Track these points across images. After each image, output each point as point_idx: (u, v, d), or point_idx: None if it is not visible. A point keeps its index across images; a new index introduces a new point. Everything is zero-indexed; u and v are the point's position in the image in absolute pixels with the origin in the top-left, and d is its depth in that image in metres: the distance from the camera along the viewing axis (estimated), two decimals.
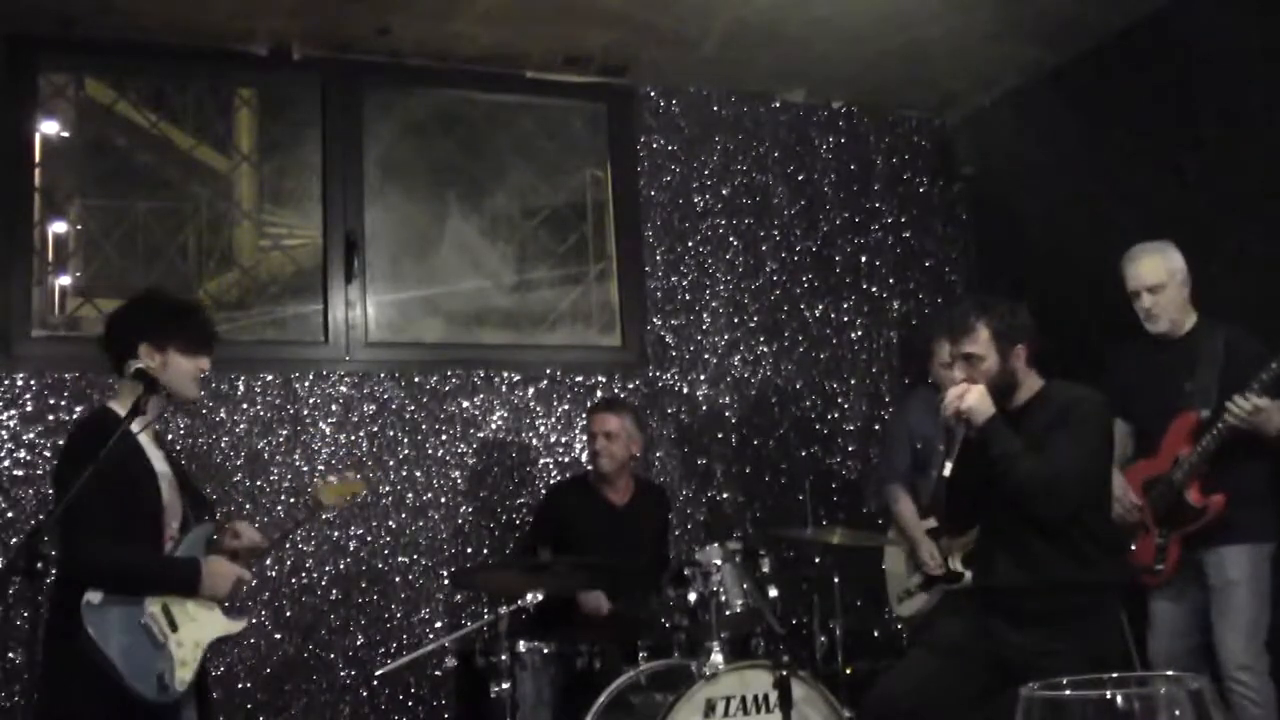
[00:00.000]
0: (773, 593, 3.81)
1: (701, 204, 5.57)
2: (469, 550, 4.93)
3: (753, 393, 5.52)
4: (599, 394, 5.14)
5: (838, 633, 4.17)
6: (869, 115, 5.92)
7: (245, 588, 3.46)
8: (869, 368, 5.74)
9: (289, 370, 4.80)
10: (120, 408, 3.14)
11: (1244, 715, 3.63)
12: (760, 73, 5.47)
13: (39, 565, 2.60)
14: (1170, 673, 1.02)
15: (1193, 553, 3.79)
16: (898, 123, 5.99)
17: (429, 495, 4.89)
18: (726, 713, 3.49)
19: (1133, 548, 3.88)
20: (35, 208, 4.70)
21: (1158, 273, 3.89)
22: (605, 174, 5.54)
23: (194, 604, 3.18)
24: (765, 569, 3.86)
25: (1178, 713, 0.93)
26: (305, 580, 4.66)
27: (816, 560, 4.38)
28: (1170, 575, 3.84)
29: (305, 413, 4.78)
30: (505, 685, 3.62)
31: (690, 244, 5.52)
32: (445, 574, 4.83)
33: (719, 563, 3.71)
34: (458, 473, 4.97)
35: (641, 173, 5.49)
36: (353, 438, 4.83)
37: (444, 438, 4.97)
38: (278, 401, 4.76)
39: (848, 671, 4.09)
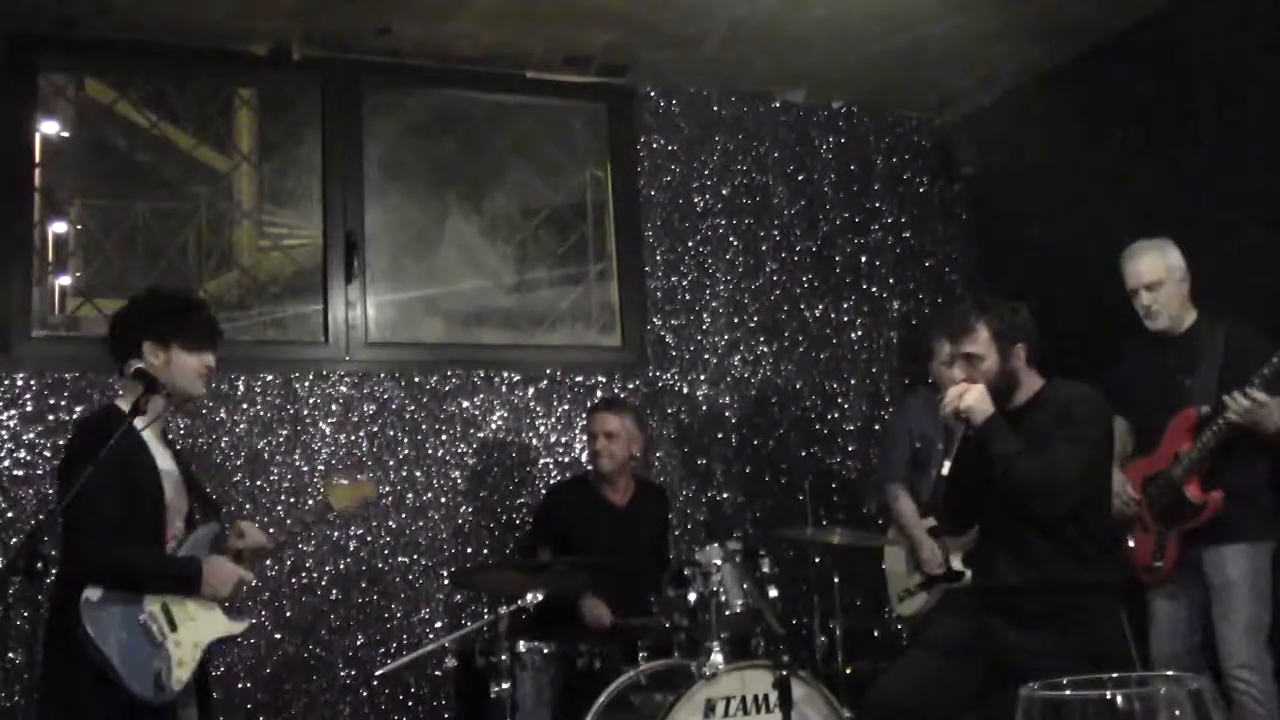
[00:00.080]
0: (773, 593, 3.81)
1: (701, 204, 5.57)
2: (469, 550, 4.93)
3: (753, 393, 5.52)
4: (599, 394, 5.14)
5: (838, 633, 4.17)
6: (869, 115, 5.92)
7: (246, 588, 3.45)
8: (869, 368, 5.74)
9: (289, 370, 4.80)
10: (126, 406, 3.14)
11: (1246, 714, 3.63)
12: (760, 73, 5.48)
13: (39, 565, 2.60)
14: (1170, 673, 1.02)
15: (1192, 550, 3.79)
16: (898, 123, 5.99)
17: (429, 495, 4.89)
18: (726, 713, 3.49)
19: (1131, 545, 3.88)
20: (35, 208, 4.70)
21: (1156, 270, 3.90)
22: (605, 174, 5.54)
23: (195, 604, 3.17)
24: (765, 569, 3.86)
25: (1178, 713, 0.93)
26: (305, 580, 4.66)
27: (816, 560, 4.37)
28: (1169, 572, 3.85)
29: (305, 413, 4.78)
30: (505, 685, 3.62)
31: (690, 244, 5.52)
32: (445, 574, 4.83)
33: (719, 563, 3.71)
34: (458, 473, 4.97)
35: (641, 173, 5.49)
36: (353, 438, 4.83)
37: (444, 438, 4.97)
38: (278, 401, 4.76)
39: (848, 671, 4.08)
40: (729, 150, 5.65)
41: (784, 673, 3.40)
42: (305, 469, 4.74)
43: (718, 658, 3.51)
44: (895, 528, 4.76)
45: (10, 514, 4.34)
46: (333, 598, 4.69)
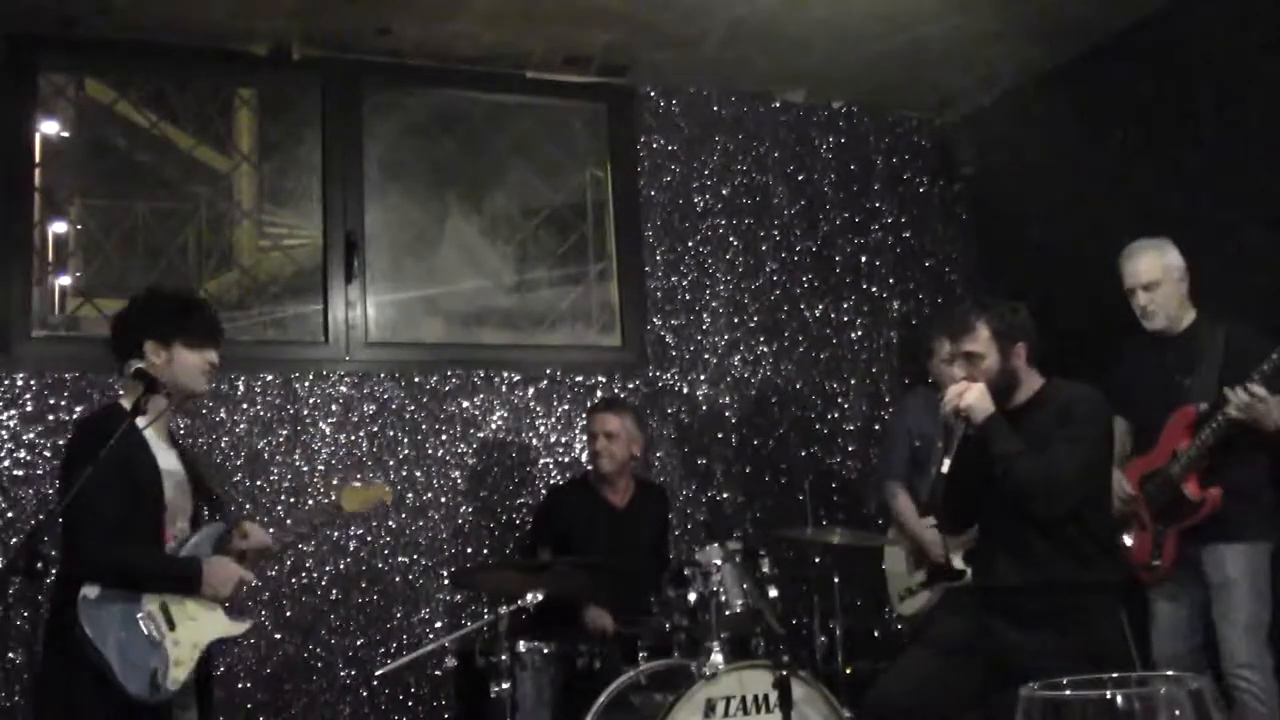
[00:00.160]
0: (773, 593, 3.81)
1: (701, 204, 5.57)
2: (469, 550, 4.93)
3: (753, 393, 5.52)
4: (599, 394, 5.14)
5: (838, 633, 4.17)
6: (869, 115, 5.92)
7: (248, 589, 3.45)
8: (869, 368, 5.74)
9: (289, 370, 4.80)
10: (129, 405, 3.14)
11: (1248, 713, 3.63)
12: (760, 73, 5.48)
13: (39, 565, 2.60)
14: (1170, 673, 1.02)
15: (1190, 549, 3.80)
16: (898, 123, 5.99)
17: (429, 495, 4.89)
18: (726, 713, 3.49)
19: (1128, 544, 3.88)
20: (35, 208, 4.70)
21: (1154, 270, 3.91)
22: (605, 174, 5.54)
23: (195, 604, 3.16)
24: (765, 569, 3.86)
25: (1178, 713, 0.93)
26: (305, 580, 4.66)
27: (816, 560, 4.37)
28: (1167, 571, 3.85)
29: (305, 413, 4.78)
30: (505, 685, 3.63)
31: (690, 244, 5.52)
32: (445, 574, 4.83)
33: (719, 563, 3.71)
34: (458, 473, 4.97)
35: (641, 173, 5.49)
36: (353, 438, 4.83)
37: (444, 438, 4.97)
38: (278, 401, 4.76)
39: (848, 671, 4.08)
40: (729, 150, 5.65)
41: (784, 673, 3.40)
42: (305, 469, 4.74)
43: (718, 658, 3.51)
44: (895, 527, 4.76)
45: (10, 514, 4.34)
46: (333, 598, 4.69)
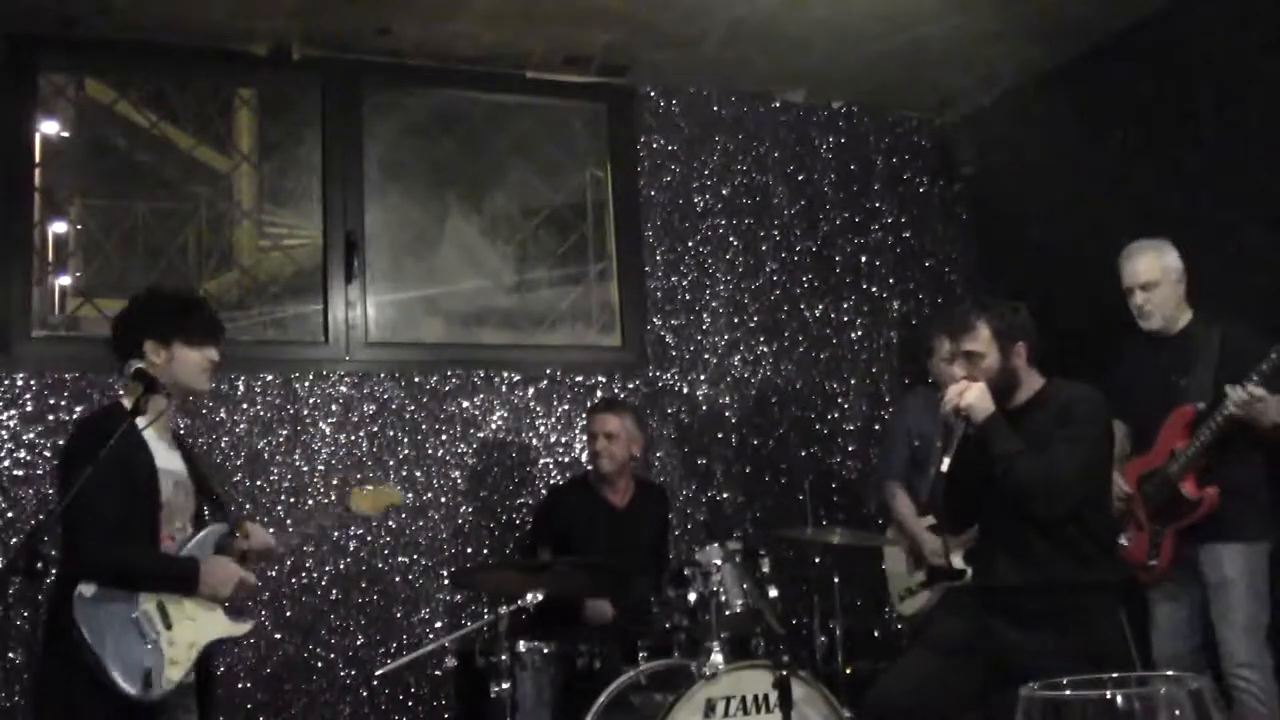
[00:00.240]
0: (773, 593, 3.81)
1: (701, 204, 5.57)
2: (469, 550, 4.93)
3: (753, 393, 5.52)
4: (599, 394, 5.14)
5: (838, 633, 4.17)
6: (869, 115, 5.92)
7: (248, 589, 3.44)
8: (869, 368, 5.74)
9: (289, 370, 4.80)
10: (130, 405, 3.14)
11: (1248, 713, 3.63)
12: (760, 73, 5.48)
13: (39, 565, 2.59)
14: (1170, 673, 1.02)
15: (1188, 548, 3.80)
16: (898, 123, 6.00)
17: (429, 495, 4.89)
18: (726, 713, 3.49)
19: (1125, 544, 3.88)
20: (35, 208, 4.70)
21: (1152, 270, 3.93)
22: (605, 174, 5.54)
23: (193, 604, 3.15)
24: (765, 569, 3.86)
25: (1178, 713, 0.93)
26: (305, 580, 4.66)
27: (816, 560, 4.37)
28: (1165, 571, 3.85)
29: (305, 413, 4.78)
30: (505, 685, 3.62)
31: (690, 244, 5.52)
32: (445, 574, 4.83)
33: (719, 563, 3.71)
34: (458, 473, 4.97)
35: (641, 173, 5.49)
36: (353, 438, 4.83)
37: (444, 438, 4.97)
38: (278, 401, 4.76)
39: (848, 671, 4.08)
40: (729, 150, 5.65)
41: (784, 673, 3.40)
42: (305, 469, 4.74)
43: (718, 658, 3.51)
44: (894, 526, 4.76)
45: (10, 514, 4.34)
46: (333, 598, 4.69)
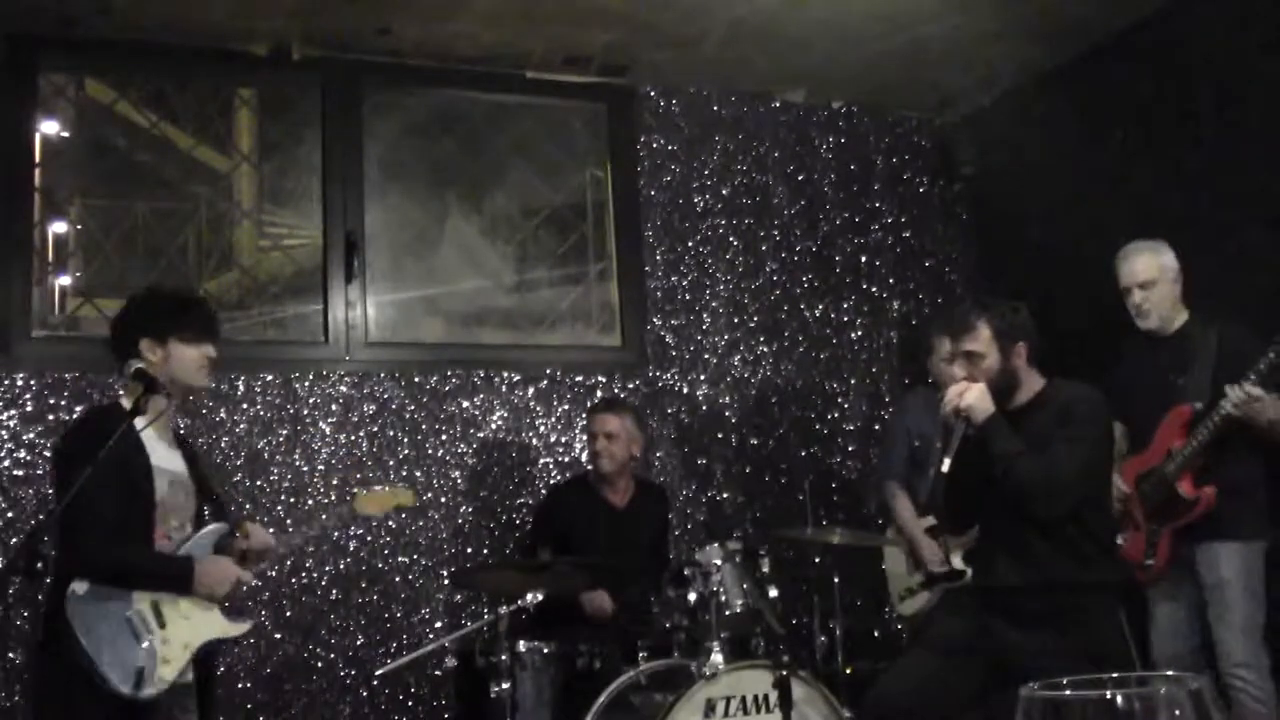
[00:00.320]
0: (773, 593, 3.81)
1: (701, 204, 5.57)
2: (469, 550, 4.93)
3: (753, 393, 5.52)
4: (599, 394, 5.14)
5: (838, 633, 4.17)
6: (869, 115, 5.92)
7: (248, 589, 3.43)
8: (869, 368, 5.74)
9: (289, 370, 4.80)
10: (129, 405, 3.14)
11: (1246, 713, 3.63)
12: (760, 73, 5.48)
13: (39, 565, 2.59)
14: (1170, 673, 1.02)
15: (1185, 548, 3.80)
16: (898, 123, 6.00)
17: (429, 495, 4.89)
18: (726, 713, 3.49)
19: (1121, 543, 3.89)
20: (35, 208, 4.70)
21: (1150, 269, 3.95)
22: (605, 174, 5.54)
23: (189, 603, 3.14)
24: (765, 569, 3.86)
25: (1178, 713, 0.93)
26: (305, 580, 4.66)
27: (816, 560, 4.37)
28: (1161, 570, 3.85)
29: (305, 413, 4.78)
30: (505, 685, 3.62)
31: (690, 244, 5.52)
32: (445, 574, 4.83)
33: (719, 563, 3.71)
34: (458, 473, 4.97)
35: (641, 173, 5.49)
36: (353, 438, 4.83)
37: (444, 438, 4.98)
38: (278, 401, 4.76)
39: (848, 671, 4.08)
40: (729, 150, 5.65)
41: (784, 673, 3.40)
42: (305, 469, 4.74)
43: (718, 658, 3.51)
44: (894, 527, 4.76)
45: (10, 514, 4.34)
46: (333, 598, 4.69)
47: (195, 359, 3.27)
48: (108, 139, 5.05)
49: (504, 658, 3.63)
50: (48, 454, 4.36)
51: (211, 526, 3.28)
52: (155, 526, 3.15)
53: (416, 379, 4.98)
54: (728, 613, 3.66)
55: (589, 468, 4.71)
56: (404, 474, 4.87)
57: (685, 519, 5.27)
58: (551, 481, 5.05)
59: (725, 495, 5.38)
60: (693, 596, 3.70)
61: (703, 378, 5.45)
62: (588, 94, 5.48)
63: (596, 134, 5.58)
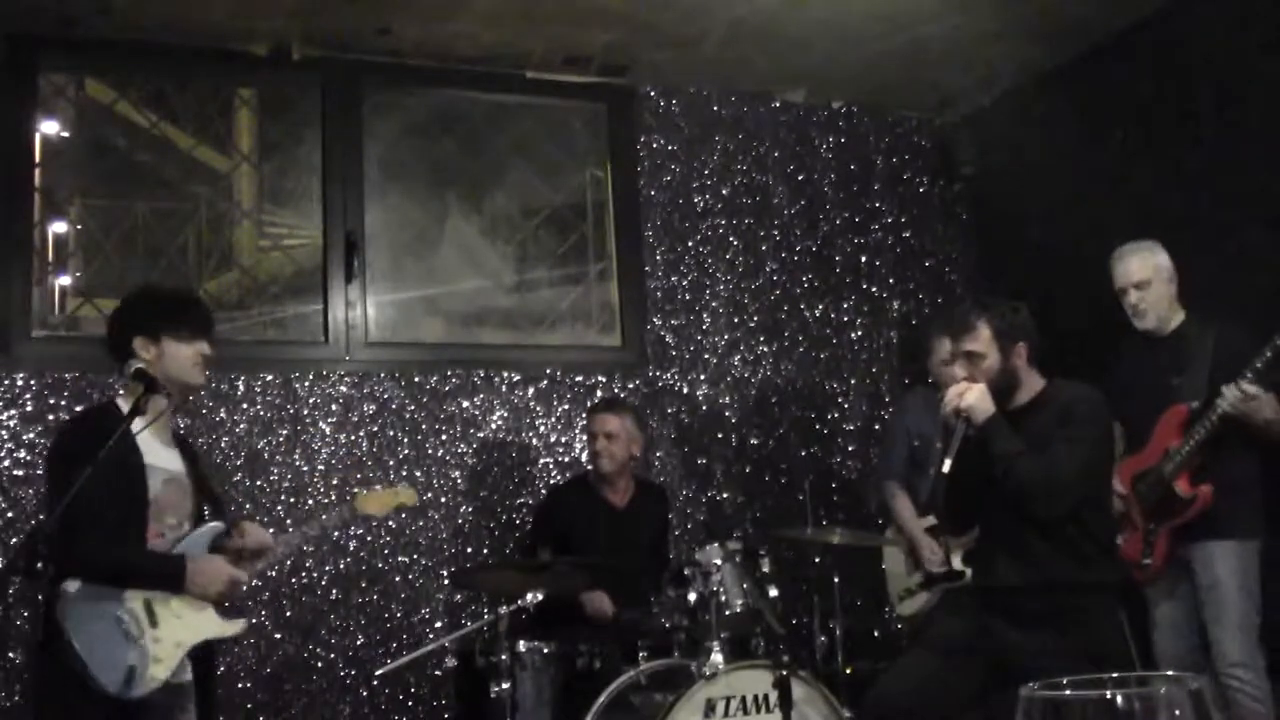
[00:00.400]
0: (773, 593, 3.81)
1: (701, 204, 5.57)
2: (469, 550, 4.93)
3: (753, 393, 5.52)
4: (599, 394, 5.14)
5: (838, 633, 4.17)
6: (869, 115, 5.92)
7: (244, 588, 3.43)
8: (869, 368, 5.74)
9: (289, 370, 4.80)
10: (125, 405, 3.13)
11: (1245, 713, 3.63)
12: (760, 73, 5.48)
13: (39, 565, 2.59)
14: (1170, 673, 1.02)
15: (1181, 547, 3.80)
16: (898, 123, 6.00)
17: (429, 495, 4.89)
18: (726, 713, 3.49)
19: (1119, 543, 3.89)
20: (35, 208, 4.70)
21: (1144, 269, 3.96)
22: (605, 174, 5.54)
23: (181, 602, 3.11)
24: (765, 569, 3.86)
25: (1178, 713, 0.93)
26: (305, 580, 4.66)
27: (816, 560, 4.38)
28: (1159, 569, 3.86)
29: (305, 413, 4.78)
30: (505, 685, 3.63)
31: (690, 244, 5.52)
32: (445, 574, 4.83)
33: (719, 563, 3.71)
34: (458, 473, 4.97)
35: (641, 173, 5.49)
36: (353, 438, 4.83)
37: (444, 438, 4.98)
38: (278, 401, 4.76)
39: (848, 671, 4.08)
40: (729, 150, 5.65)
41: (784, 673, 3.40)
42: (305, 469, 4.74)
43: (718, 658, 3.51)
44: (894, 527, 4.76)
45: (10, 514, 4.34)
46: (333, 598, 4.69)
47: (189, 357, 3.24)
48: (108, 139, 5.05)
49: (504, 658, 3.63)
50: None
51: (207, 525, 3.26)
52: (149, 525, 3.13)
53: (416, 379, 4.98)
54: (728, 613, 3.66)
55: (589, 468, 4.71)
56: (404, 474, 4.87)
57: (685, 519, 5.27)
58: (551, 481, 5.05)
59: (725, 495, 5.38)
60: (693, 596, 3.70)
61: (703, 378, 5.45)
62: (588, 94, 5.48)
63: (596, 134, 5.58)
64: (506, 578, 3.97)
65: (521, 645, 3.82)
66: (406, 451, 4.90)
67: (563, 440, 5.16)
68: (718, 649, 3.53)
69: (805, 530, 4.40)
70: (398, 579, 4.79)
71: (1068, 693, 0.97)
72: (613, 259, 5.49)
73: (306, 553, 4.65)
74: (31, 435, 4.41)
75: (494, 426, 5.06)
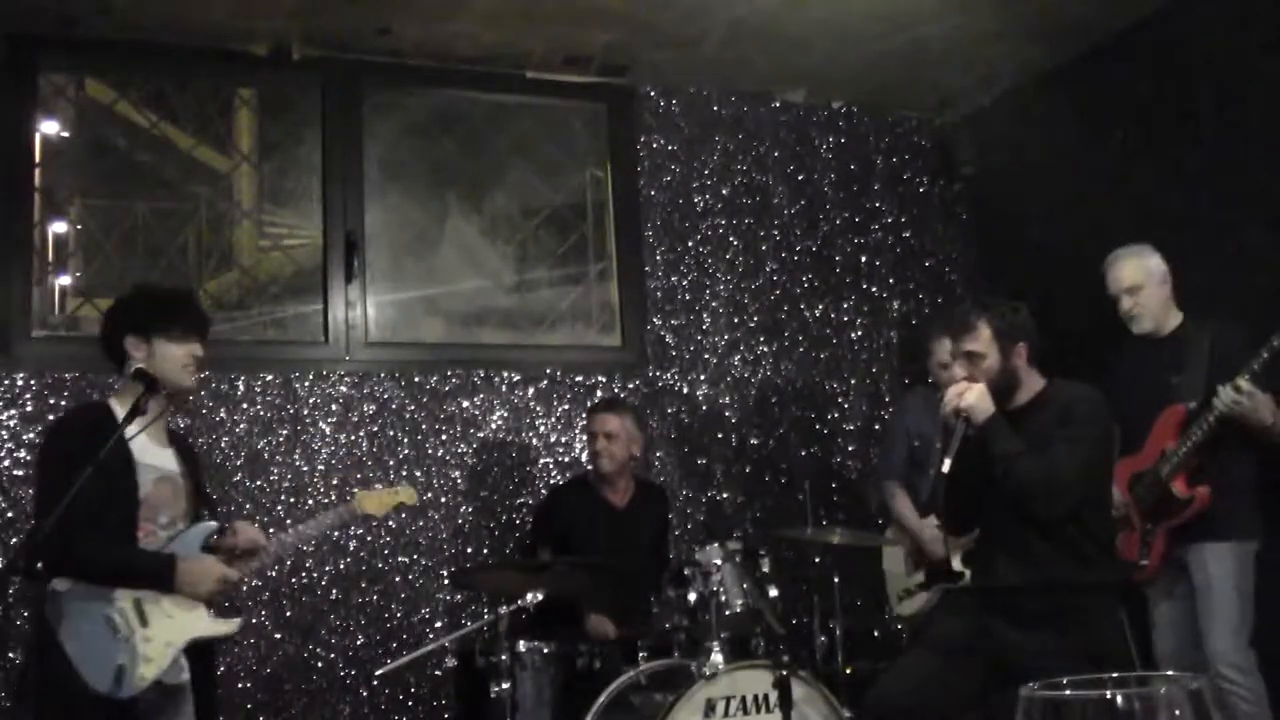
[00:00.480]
0: (773, 593, 3.81)
1: (701, 204, 5.57)
2: (469, 550, 4.93)
3: (753, 393, 5.52)
4: (599, 394, 5.14)
5: (838, 633, 4.17)
6: (869, 115, 5.92)
7: (241, 587, 3.42)
8: (869, 368, 5.74)
9: (289, 370, 4.80)
10: (120, 405, 3.13)
11: (1239, 714, 3.63)
12: (760, 73, 5.48)
13: (39, 565, 2.59)
14: (1170, 673, 1.02)
15: (1178, 548, 3.80)
16: (898, 123, 6.00)
17: (429, 495, 4.89)
18: (726, 713, 3.49)
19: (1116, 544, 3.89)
20: (35, 208, 4.70)
21: (1136, 275, 3.97)
22: (605, 174, 5.54)
23: (172, 602, 3.10)
24: (765, 569, 3.86)
25: (1178, 713, 0.93)
26: (305, 580, 4.66)
27: (816, 560, 4.37)
28: (1156, 570, 3.86)
29: (305, 413, 4.78)
30: (505, 685, 3.63)
31: (690, 244, 5.52)
32: (445, 574, 4.83)
33: (719, 563, 3.71)
34: (458, 473, 4.97)
35: (641, 173, 5.49)
36: (353, 438, 4.83)
37: (444, 438, 4.98)
38: (278, 401, 4.76)
39: (848, 671, 4.08)
40: (729, 150, 5.65)
41: (784, 673, 3.40)
42: (305, 469, 4.74)
43: (718, 658, 3.51)
44: (894, 527, 4.76)
45: (10, 514, 4.34)
46: (333, 598, 4.69)
47: (180, 357, 3.23)
48: (108, 139, 5.05)
49: (504, 658, 3.63)
50: None
51: (200, 524, 3.26)
52: (140, 523, 3.13)
53: (416, 379, 4.98)
54: (728, 613, 3.66)
55: (589, 468, 4.71)
56: (404, 474, 4.86)
57: (685, 519, 5.27)
58: (551, 481, 5.05)
59: (725, 495, 5.38)
60: (693, 596, 3.70)
61: (703, 378, 5.45)
62: (588, 94, 5.48)
63: (596, 134, 5.58)
64: (506, 578, 3.96)
65: (521, 645, 3.82)
66: (406, 451, 4.90)
67: (563, 440, 5.15)
68: (718, 649, 3.53)
69: (805, 530, 4.39)
70: (398, 579, 4.79)
71: (1068, 693, 0.97)
72: (613, 259, 5.49)
73: (306, 553, 4.65)
74: (31, 435, 4.40)
75: (494, 426, 5.06)
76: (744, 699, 3.52)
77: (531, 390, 5.14)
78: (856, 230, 5.83)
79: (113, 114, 5.03)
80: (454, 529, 4.92)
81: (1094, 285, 4.16)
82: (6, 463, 4.38)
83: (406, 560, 4.82)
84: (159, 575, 3.09)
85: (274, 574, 4.58)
